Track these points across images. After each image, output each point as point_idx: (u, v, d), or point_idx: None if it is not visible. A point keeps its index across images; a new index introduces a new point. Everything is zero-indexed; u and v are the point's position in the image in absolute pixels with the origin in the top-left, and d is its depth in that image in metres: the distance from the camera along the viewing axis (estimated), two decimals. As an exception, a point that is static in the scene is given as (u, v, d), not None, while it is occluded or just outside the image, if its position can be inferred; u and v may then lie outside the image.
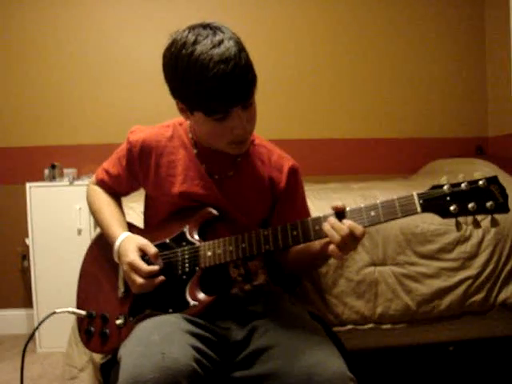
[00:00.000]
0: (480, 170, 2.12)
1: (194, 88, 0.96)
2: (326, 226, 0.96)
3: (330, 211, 0.99)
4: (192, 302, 1.03)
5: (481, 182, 0.90)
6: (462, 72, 3.04)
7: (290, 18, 2.94)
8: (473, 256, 1.58)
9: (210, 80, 0.93)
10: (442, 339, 1.62)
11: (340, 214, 0.98)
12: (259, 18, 2.91)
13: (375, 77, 2.99)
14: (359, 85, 2.98)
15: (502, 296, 1.57)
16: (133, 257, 1.07)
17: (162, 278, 1.07)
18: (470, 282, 1.56)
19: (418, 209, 0.93)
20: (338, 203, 0.98)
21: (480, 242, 1.59)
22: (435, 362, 1.82)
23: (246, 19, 2.86)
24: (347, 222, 0.94)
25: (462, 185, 0.91)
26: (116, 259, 1.14)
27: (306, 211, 1.23)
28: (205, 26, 0.99)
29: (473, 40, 3.05)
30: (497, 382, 1.77)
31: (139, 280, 1.05)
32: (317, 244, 1.06)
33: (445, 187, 0.92)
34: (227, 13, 2.85)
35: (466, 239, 1.59)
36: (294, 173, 1.20)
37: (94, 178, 1.31)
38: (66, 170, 2.64)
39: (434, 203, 0.92)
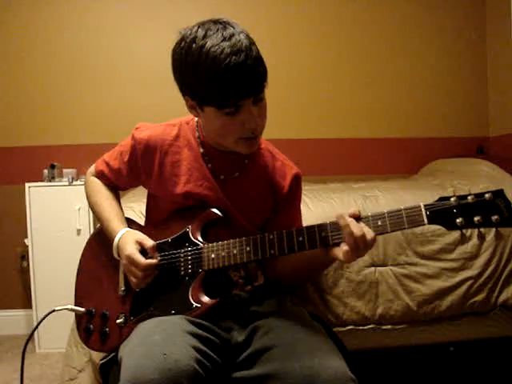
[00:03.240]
0: (480, 170, 2.12)
1: (205, 81, 0.95)
2: (343, 222, 0.93)
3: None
4: (195, 304, 1.03)
5: (487, 196, 0.90)
6: (462, 71, 3.04)
7: (290, 18, 2.93)
8: (474, 256, 1.57)
9: (221, 71, 0.93)
10: (442, 340, 1.62)
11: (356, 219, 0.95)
12: (260, 17, 2.90)
13: (375, 77, 2.99)
14: (359, 85, 2.98)
15: (503, 297, 1.56)
16: (130, 250, 1.07)
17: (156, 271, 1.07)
18: (470, 282, 1.55)
19: (425, 220, 0.92)
20: (355, 210, 0.95)
21: (481, 243, 1.58)
22: (435, 362, 1.81)
23: (247, 18, 2.84)
24: (362, 224, 0.93)
25: (469, 197, 0.91)
26: (115, 255, 1.13)
27: (299, 218, 1.24)
28: (215, 22, 0.99)
29: (474, 39, 3.04)
30: (497, 383, 1.76)
31: (138, 273, 1.05)
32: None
33: (452, 199, 0.92)
34: (231, 13, 2.83)
35: (467, 239, 1.58)
36: (296, 180, 1.20)
37: (93, 169, 1.29)
38: (65, 170, 2.63)
39: (440, 215, 0.92)
